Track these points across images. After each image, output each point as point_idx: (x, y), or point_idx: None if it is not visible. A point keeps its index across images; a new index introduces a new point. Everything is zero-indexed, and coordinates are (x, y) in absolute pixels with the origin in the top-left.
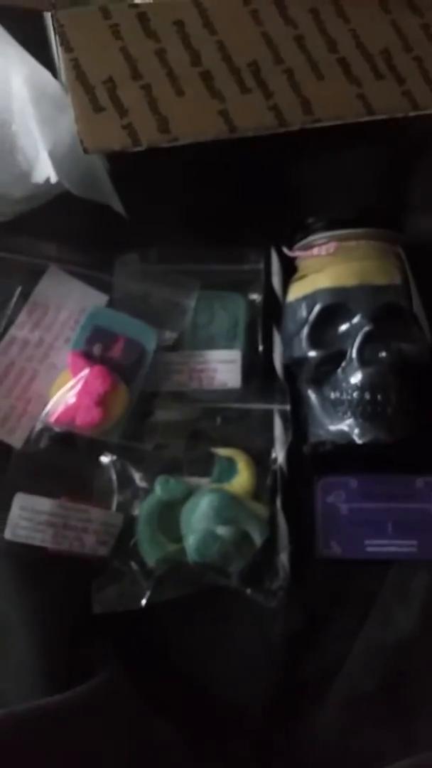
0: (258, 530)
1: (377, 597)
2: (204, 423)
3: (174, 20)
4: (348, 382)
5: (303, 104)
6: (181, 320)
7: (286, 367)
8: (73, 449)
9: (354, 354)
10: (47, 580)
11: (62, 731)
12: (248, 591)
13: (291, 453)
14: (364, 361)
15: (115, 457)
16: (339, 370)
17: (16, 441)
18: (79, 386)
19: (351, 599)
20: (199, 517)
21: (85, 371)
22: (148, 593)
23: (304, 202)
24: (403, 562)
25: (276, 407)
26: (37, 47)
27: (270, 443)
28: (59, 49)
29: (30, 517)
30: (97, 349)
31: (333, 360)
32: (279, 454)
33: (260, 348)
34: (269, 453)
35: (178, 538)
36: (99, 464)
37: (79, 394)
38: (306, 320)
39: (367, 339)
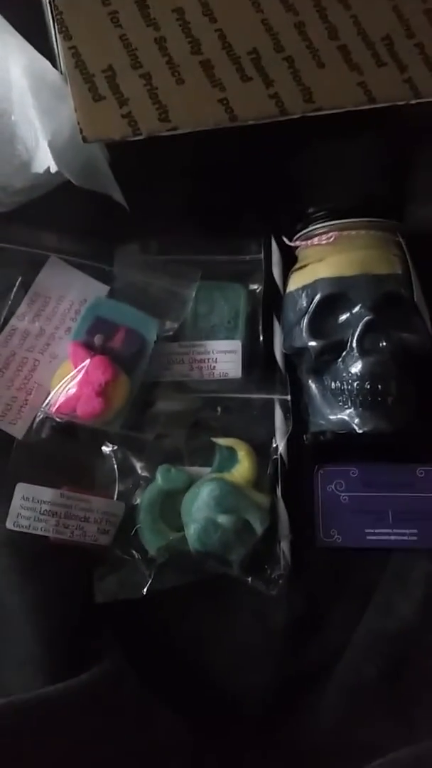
0: (259, 519)
1: (378, 585)
2: (205, 413)
3: (174, 7)
4: (348, 371)
5: (303, 92)
6: (181, 310)
7: (287, 357)
8: (74, 439)
9: (354, 343)
10: (49, 570)
11: (64, 720)
12: (249, 579)
13: (291, 442)
14: (364, 351)
15: (116, 447)
16: (339, 360)
17: (18, 431)
18: (80, 376)
19: (351, 588)
20: (200, 506)
21: (86, 362)
22: (149, 582)
23: (304, 192)
24: (404, 551)
25: (276, 397)
26: (36, 35)
27: (270, 433)
28: (58, 37)
29: (32, 506)
30: (98, 340)
31: (333, 350)
32: (279, 443)
33: (261, 338)
34: (270, 442)
35: (180, 527)
36: (100, 454)
37: (80, 385)
38: (306, 310)
39: (368, 328)
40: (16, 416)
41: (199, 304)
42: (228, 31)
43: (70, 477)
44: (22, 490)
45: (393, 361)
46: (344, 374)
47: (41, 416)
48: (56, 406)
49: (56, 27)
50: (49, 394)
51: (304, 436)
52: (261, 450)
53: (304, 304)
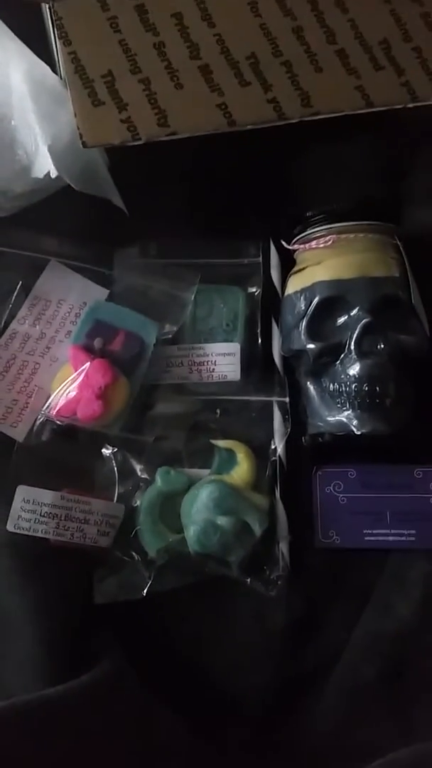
0: (258, 520)
1: (376, 586)
2: (204, 415)
3: (172, 12)
4: (346, 373)
5: (302, 97)
6: (180, 314)
7: (285, 360)
8: (74, 442)
9: (352, 346)
10: (50, 571)
11: (65, 721)
12: (248, 580)
13: (290, 444)
14: (362, 353)
15: (116, 449)
16: (337, 362)
17: (18, 434)
18: (80, 379)
19: (350, 588)
20: (199, 508)
21: (86, 365)
22: (149, 583)
23: (302, 196)
24: (402, 551)
25: (275, 399)
26: (36, 41)
27: (269, 434)
28: (58, 42)
29: (32, 509)
30: (97, 343)
31: (331, 352)
32: (278, 445)
33: (259, 341)
34: (268, 444)
35: (179, 529)
36: (100, 456)
37: (81, 388)
38: (305, 313)
39: (366, 331)
40: (16, 419)
41: (198, 307)
42: (226, 36)
43: (71, 479)
44: (22, 492)
45: (391, 363)
46: (342, 376)
47: (42, 419)
48: (56, 409)
49: (56, 32)
50: (49, 397)
51: (303, 438)
52: (260, 452)
53: (303, 306)
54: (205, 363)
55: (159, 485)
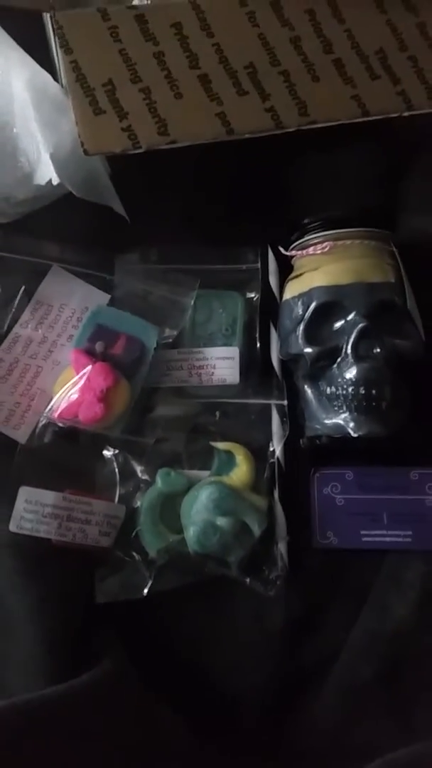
0: (256, 521)
1: (373, 586)
2: (203, 418)
3: (172, 23)
4: (343, 377)
5: (299, 106)
6: (180, 318)
7: (283, 363)
8: (76, 444)
9: (349, 350)
10: (51, 571)
11: (66, 720)
12: (247, 580)
13: (288, 446)
14: (359, 357)
15: (117, 451)
16: (334, 366)
17: (21, 436)
18: (81, 383)
19: (347, 588)
20: (199, 509)
21: (88, 368)
22: (149, 583)
23: (299, 203)
24: (398, 552)
25: (273, 402)
26: (38, 49)
27: (268, 437)
28: (59, 51)
29: (34, 509)
30: (99, 347)
31: (328, 356)
32: (276, 447)
33: (258, 345)
34: (267, 446)
35: (179, 529)
36: (102, 458)
37: (82, 391)
38: (302, 317)
39: (362, 335)
40: (19, 421)
41: (197, 311)
42: (225, 46)
43: (72, 480)
44: (25, 493)
45: (387, 367)
46: (339, 380)
47: (44, 421)
48: (58, 411)
49: (57, 41)
50: (51, 399)
51: (301, 440)
52: (258, 454)
53: (300, 311)
54: (205, 366)
55: (159, 486)
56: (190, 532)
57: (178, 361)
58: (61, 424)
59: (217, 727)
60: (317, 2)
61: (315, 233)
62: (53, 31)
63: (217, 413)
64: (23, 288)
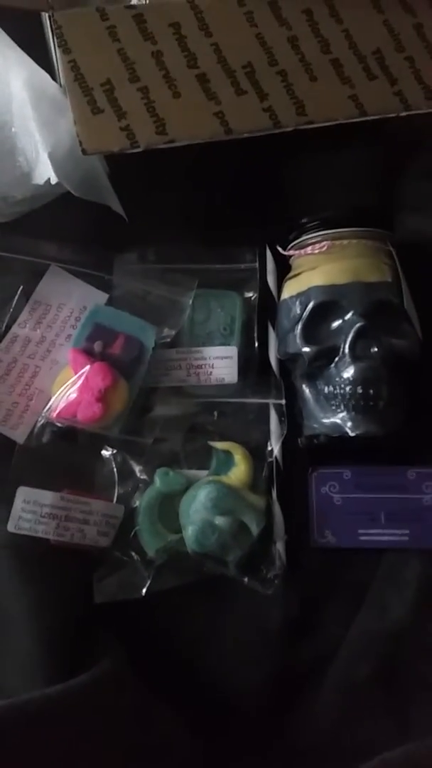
0: (255, 520)
1: (371, 585)
2: (202, 417)
3: (170, 22)
4: (341, 376)
5: (296, 105)
6: (179, 318)
7: (281, 363)
8: (74, 444)
9: (346, 349)
10: (50, 571)
11: (65, 721)
12: (245, 579)
13: (286, 445)
14: (356, 357)
15: (115, 451)
16: (332, 365)
17: (19, 436)
18: (80, 382)
19: (345, 587)
20: (197, 508)
21: (86, 368)
22: (148, 583)
23: (297, 203)
24: (396, 551)
25: (271, 401)
26: (36, 49)
27: (266, 436)
28: (57, 51)
29: (33, 509)
30: (97, 346)
31: (326, 355)
32: (274, 446)
33: (256, 344)
34: (265, 446)
35: (178, 529)
36: (100, 458)
37: (81, 390)
38: (300, 317)
39: (360, 335)
40: (17, 421)
41: (196, 311)
42: (223, 46)
43: (71, 480)
44: (23, 493)
45: (384, 367)
46: (337, 379)
47: (42, 421)
48: (57, 411)
49: (56, 41)
50: (49, 399)
51: (299, 440)
52: (256, 453)
53: (298, 311)
54: (203, 366)
55: (158, 486)
56: (189, 532)
57: (177, 361)
58: (59, 424)
59: (215, 727)
60: (315, 2)
61: (313, 233)
62: (52, 30)
63: (216, 413)
64: (21, 287)
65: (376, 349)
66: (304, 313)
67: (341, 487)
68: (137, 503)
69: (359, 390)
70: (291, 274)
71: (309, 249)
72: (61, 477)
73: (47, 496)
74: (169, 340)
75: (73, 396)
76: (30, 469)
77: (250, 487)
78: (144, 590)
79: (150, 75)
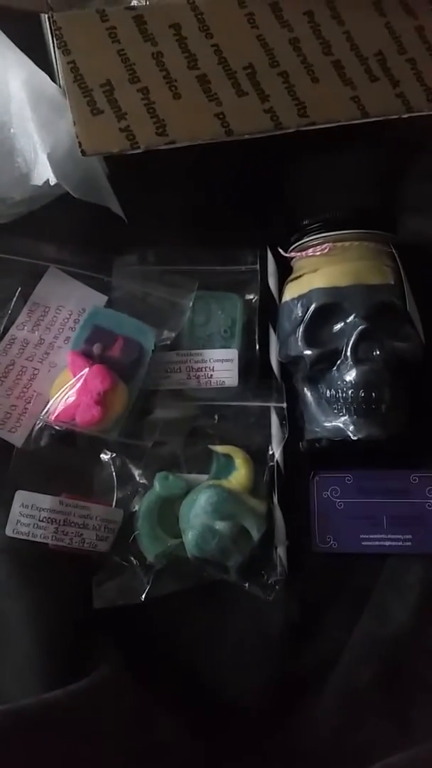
0: (255, 525)
1: (373, 590)
2: (202, 420)
3: (170, 23)
4: (343, 379)
5: (298, 107)
6: (179, 320)
7: (282, 366)
8: (73, 447)
9: (349, 352)
10: (48, 576)
11: (64, 726)
12: (246, 585)
13: (287, 449)
14: (358, 359)
15: (114, 455)
16: (334, 368)
17: (17, 439)
18: (78, 385)
19: (347, 592)
20: (197, 513)
21: (85, 370)
22: (147, 588)
23: (299, 204)
24: (398, 556)
25: (272, 405)
26: (35, 50)
27: (267, 440)
28: (57, 52)
29: (31, 513)
30: (96, 349)
31: (328, 358)
32: (275, 450)
33: (257, 347)
34: (266, 449)
35: (177, 534)
36: (99, 461)
37: (79, 393)
38: (301, 319)
39: (362, 337)
40: (15, 424)
41: (196, 313)
42: (224, 47)
43: (69, 484)
44: (21, 497)
45: (386, 369)
46: (339, 382)
47: (40, 424)
48: (55, 414)
49: (55, 42)
50: (48, 402)
51: (300, 444)
52: (257, 457)
53: (299, 313)
54: (204, 369)
55: (157, 490)
56: (189, 537)
57: (177, 364)
58: (57, 427)
59: (217, 732)
60: (316, 4)
61: (314, 234)
62: (51, 32)
63: (216, 416)
64: (20, 289)
65: (378, 352)
66: (306, 316)
67: (343, 492)
68: (136, 507)
69: (361, 393)
70: (292, 276)
71: (310, 251)
72: (59, 481)
73: (46, 500)
74: (169, 342)
75: (72, 399)
76: (28, 473)
77: (250, 492)
78: (143, 595)
79: (150, 76)
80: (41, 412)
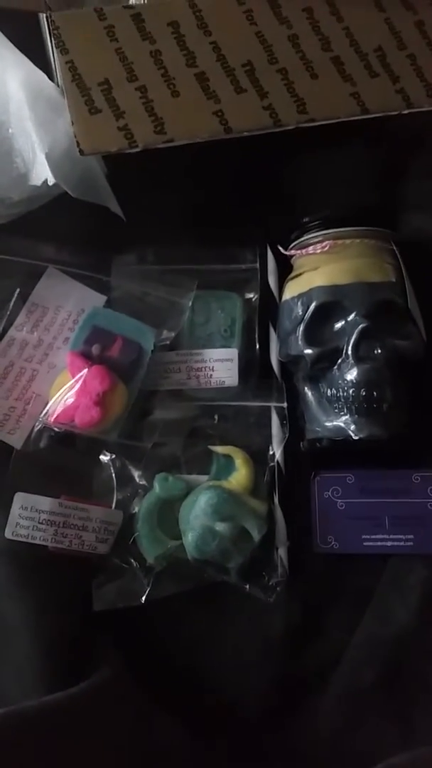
0: (256, 526)
1: (375, 591)
2: (202, 421)
3: (169, 21)
4: (344, 378)
5: (297, 103)
6: (178, 320)
7: (283, 365)
8: (72, 448)
9: (349, 351)
10: (48, 579)
11: (64, 728)
12: (247, 586)
13: (288, 449)
14: (359, 358)
15: (114, 456)
16: (335, 367)
17: (16, 441)
18: (78, 386)
19: (349, 593)
20: (197, 514)
21: (84, 371)
22: (147, 590)
23: (299, 202)
24: (400, 556)
25: (273, 404)
26: (33, 49)
27: (267, 440)
28: (55, 51)
29: (30, 516)
30: (95, 349)
31: (329, 357)
32: (276, 450)
33: (257, 346)
34: (267, 450)
35: (177, 535)
36: (98, 463)
37: (78, 394)
38: (302, 318)
39: (363, 336)
40: (14, 426)
41: (195, 313)
42: (222, 44)
43: (69, 486)
44: (20, 499)
45: (387, 368)
46: (340, 381)
47: (39, 426)
48: (54, 415)
49: (53, 41)
50: (47, 403)
51: (301, 443)
52: (258, 457)
53: (300, 312)
54: (203, 369)
55: (157, 491)
56: (189, 538)
57: (176, 364)
58: (57, 429)
59: (218, 734)
60: (315, 0)
61: (314, 232)
62: (49, 31)
63: (216, 416)
64: (18, 290)
65: (379, 351)
66: (306, 315)
67: (344, 492)
68: (136, 509)
69: (363, 392)
70: (292, 274)
71: (311, 249)
72: (59, 483)
73: (45, 503)
74: (168, 342)
75: (71, 400)
76: (27, 475)
77: (251, 492)
78: (143, 597)
79: (148, 74)
80: (40, 414)
